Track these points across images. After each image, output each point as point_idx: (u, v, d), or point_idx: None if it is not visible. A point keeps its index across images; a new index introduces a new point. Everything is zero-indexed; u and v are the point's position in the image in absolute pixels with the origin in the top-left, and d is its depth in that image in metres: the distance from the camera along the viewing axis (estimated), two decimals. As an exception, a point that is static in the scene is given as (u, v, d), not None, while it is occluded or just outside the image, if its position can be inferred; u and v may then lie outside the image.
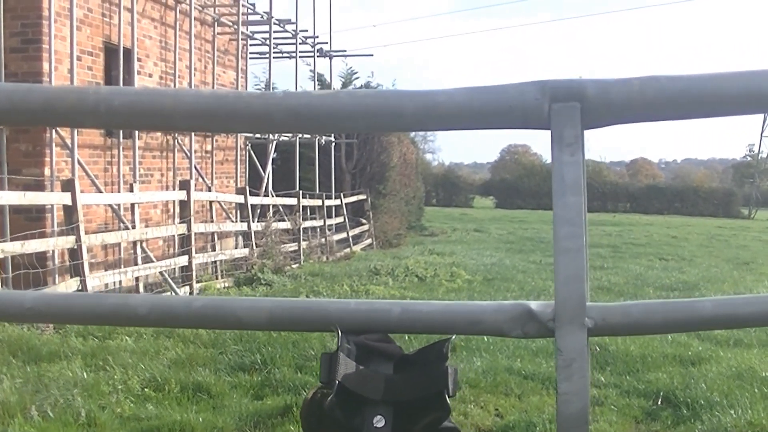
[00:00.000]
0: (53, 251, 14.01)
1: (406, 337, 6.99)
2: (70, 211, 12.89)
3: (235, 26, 23.67)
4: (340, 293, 14.80)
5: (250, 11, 25.42)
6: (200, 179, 21.33)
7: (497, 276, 18.61)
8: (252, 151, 26.42)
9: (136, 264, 15.80)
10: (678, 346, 10.47)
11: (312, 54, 30.94)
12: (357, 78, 37.93)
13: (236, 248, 21.03)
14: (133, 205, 16.26)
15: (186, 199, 17.08)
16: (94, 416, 7.06)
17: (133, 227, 15.97)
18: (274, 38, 26.75)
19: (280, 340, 9.74)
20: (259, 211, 22.90)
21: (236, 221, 21.28)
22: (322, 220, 26.53)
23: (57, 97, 2.88)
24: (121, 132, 17.35)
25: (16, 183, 14.28)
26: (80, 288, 12.54)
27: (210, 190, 21.47)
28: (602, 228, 41.90)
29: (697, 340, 10.94)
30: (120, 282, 15.08)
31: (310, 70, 32.38)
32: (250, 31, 26.26)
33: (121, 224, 16.30)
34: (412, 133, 44.35)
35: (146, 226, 17.39)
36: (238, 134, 23.95)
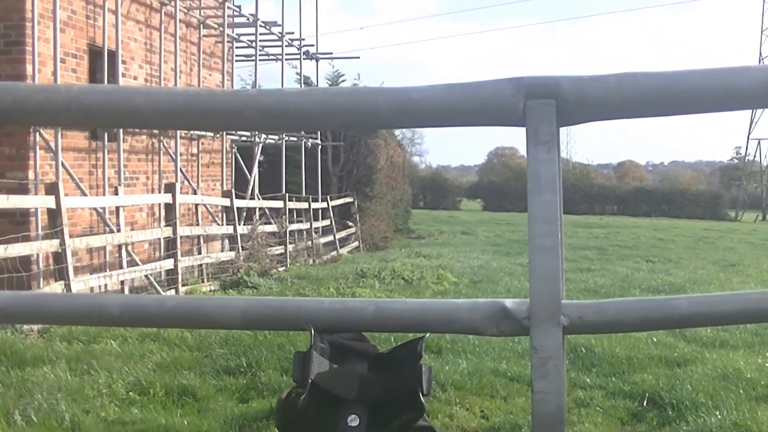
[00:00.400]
0: (37, 255, 13.96)
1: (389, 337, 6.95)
2: (54, 214, 12.82)
3: (221, 29, 23.63)
4: (327, 296, 14.75)
5: (235, 14, 25.37)
6: (186, 182, 21.30)
7: (484, 278, 18.60)
8: (238, 154, 26.37)
9: (121, 267, 15.73)
10: (664, 347, 10.46)
11: (298, 56, 30.95)
12: (344, 80, 37.93)
13: (222, 251, 20.99)
14: (118, 208, 16.20)
15: (171, 202, 17.04)
16: (79, 421, 7.01)
17: (119, 230, 15.92)
18: (260, 41, 26.72)
19: (266, 343, 9.71)
20: (245, 214, 22.90)
21: (222, 224, 21.26)
22: (309, 223, 26.49)
23: (27, 95, 2.85)
24: (105, 135, 17.32)
25: (0, 186, 14.21)
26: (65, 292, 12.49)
27: (196, 193, 21.45)
28: (589, 230, 41.99)
29: (683, 341, 10.95)
30: (105, 286, 15.02)
31: (297, 73, 32.41)
32: (236, 34, 26.22)
33: (106, 228, 16.26)
34: (400, 136, 44.42)
35: (132, 230, 17.35)
36: (225, 137, 23.94)
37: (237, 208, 21.03)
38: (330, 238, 28.22)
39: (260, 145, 26.72)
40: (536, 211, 2.72)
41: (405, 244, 31.77)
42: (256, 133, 25.76)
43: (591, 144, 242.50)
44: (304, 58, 31.26)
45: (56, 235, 12.70)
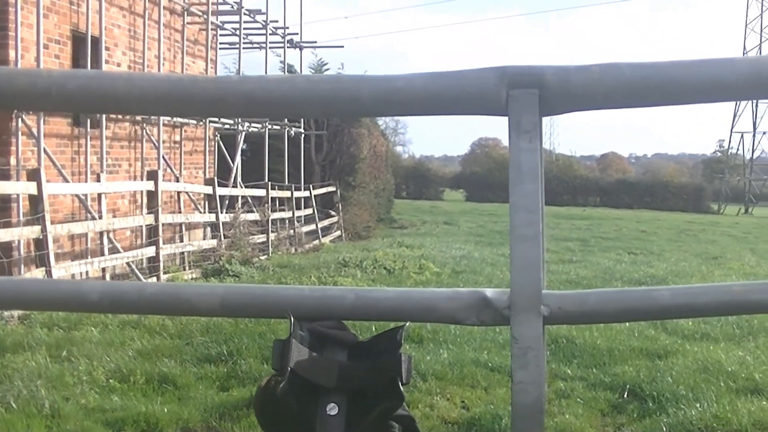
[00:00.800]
0: (18, 241, 13.91)
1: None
2: (35, 200, 12.78)
3: (205, 16, 23.58)
4: (308, 285, 14.73)
5: (220, 1, 25.31)
6: (168, 170, 21.25)
7: (466, 269, 18.60)
8: (221, 142, 26.34)
9: (102, 255, 15.69)
10: (645, 339, 10.47)
11: (282, 45, 30.88)
12: (327, 69, 37.87)
13: (204, 239, 20.95)
14: (100, 195, 16.14)
15: (154, 189, 17.00)
16: (58, 408, 6.98)
17: (100, 217, 15.86)
18: (244, 29, 26.70)
19: (247, 332, 9.69)
20: (227, 202, 22.85)
21: (204, 212, 21.22)
22: (291, 212, 26.47)
23: (7, 80, 2.83)
24: (88, 121, 17.26)
25: (-18, 172, 14.17)
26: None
27: (178, 181, 21.42)
28: (572, 222, 42.02)
29: (664, 333, 10.96)
30: (86, 273, 14.96)
31: (281, 62, 32.37)
32: (220, 21, 26.15)
33: (88, 214, 16.20)
34: (383, 125, 44.38)
35: (113, 217, 17.30)
36: (208, 125, 23.89)
37: (219, 196, 20.98)
38: (312, 227, 28.20)
39: (243, 133, 26.69)
40: (517, 201, 2.71)
41: (387, 234, 31.74)
42: (240, 121, 25.74)
43: (574, 135, 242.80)
44: (288, 47, 31.24)
45: (38, 221, 12.66)
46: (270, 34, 28.62)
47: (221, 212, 20.67)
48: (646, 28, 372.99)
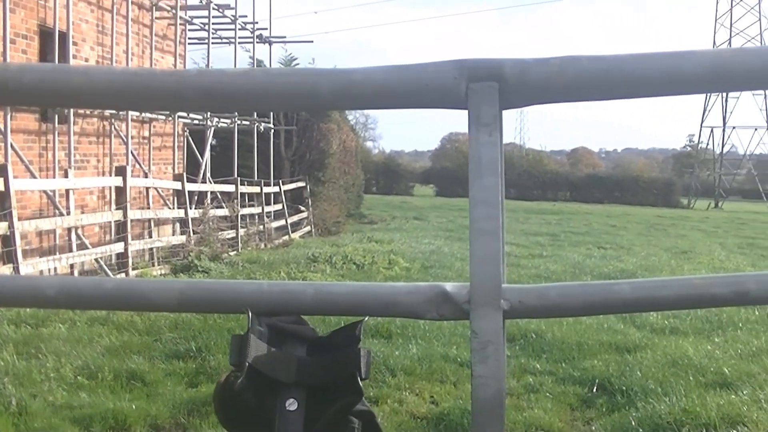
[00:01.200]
0: (-15, 237, 13.84)
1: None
2: (2, 197, 12.71)
3: (174, 11, 23.49)
4: (278, 280, 14.72)
5: (188, -4, 25.25)
6: (137, 165, 21.17)
7: (435, 263, 18.62)
8: (190, 138, 26.27)
9: (71, 251, 15.64)
10: (614, 333, 10.53)
11: (251, 40, 30.82)
12: (297, 64, 37.79)
13: (173, 235, 20.91)
14: (68, 191, 16.09)
15: (122, 185, 16.94)
16: (26, 405, 6.96)
17: (68, 213, 15.81)
18: (213, 23, 26.62)
19: (216, 327, 9.69)
20: (196, 197, 22.82)
21: (173, 208, 21.19)
22: (261, 207, 26.46)
23: (-38, 74, 2.82)
24: (56, 117, 17.17)
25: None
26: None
27: (147, 177, 21.31)
28: (542, 216, 42.18)
29: (633, 327, 11.02)
30: (55, 269, 14.91)
31: (249, 57, 32.29)
32: (189, 16, 26.05)
33: (56, 210, 16.14)
34: (353, 120, 44.39)
35: (82, 213, 17.24)
36: (176, 120, 23.82)
37: (188, 191, 20.96)
38: (282, 222, 28.17)
39: (212, 128, 26.65)
40: (477, 195, 2.71)
41: (357, 229, 31.74)
42: (209, 116, 25.67)
43: (544, 130, 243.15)
44: (257, 42, 31.16)
45: (5, 217, 12.60)
46: (239, 29, 28.60)
47: (190, 208, 20.64)
48: (620, 22, 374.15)
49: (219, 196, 24.26)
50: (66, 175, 16.08)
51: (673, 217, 48.80)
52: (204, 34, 27.06)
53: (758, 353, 9.37)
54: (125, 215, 16.77)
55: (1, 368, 8.00)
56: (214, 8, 25.85)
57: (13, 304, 3.41)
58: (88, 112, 18.64)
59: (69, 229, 15.99)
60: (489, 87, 2.72)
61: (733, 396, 7.39)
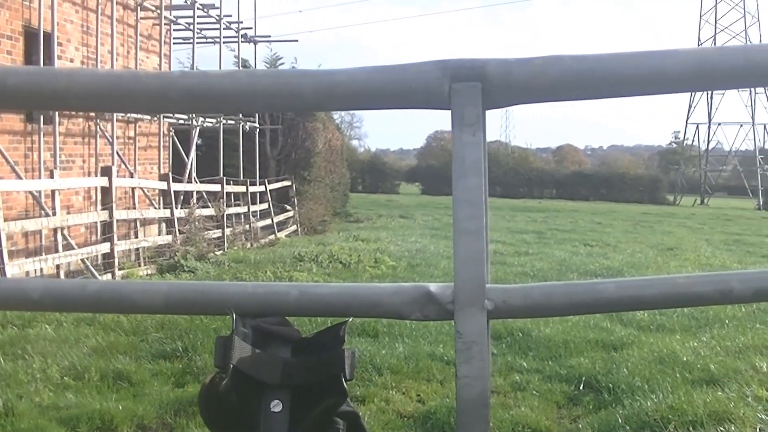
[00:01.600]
0: (-29, 239, 13.80)
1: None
2: (-12, 197, 12.70)
3: (159, 11, 23.45)
4: (264, 280, 14.72)
5: (173, -5, 25.20)
6: (123, 165, 21.15)
7: (422, 262, 18.63)
8: (175, 137, 26.24)
9: (57, 251, 15.61)
10: (601, 331, 10.54)
11: (236, 39, 30.80)
12: (282, 64, 37.86)
13: (159, 235, 20.89)
14: (54, 191, 16.07)
15: (108, 185, 16.93)
16: (12, 406, 6.94)
17: (54, 214, 15.78)
18: (198, 23, 26.60)
19: (202, 327, 9.67)
20: (182, 197, 22.81)
21: (159, 208, 21.16)
22: (247, 207, 26.40)
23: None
24: (41, 117, 17.14)
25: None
26: (-1, 276, 12.36)
27: (133, 177, 21.28)
28: (528, 214, 42.23)
29: (620, 325, 11.04)
30: (41, 270, 14.89)
31: (235, 56, 32.25)
32: (174, 16, 26.01)
33: (42, 211, 16.11)
34: (338, 119, 44.35)
35: (68, 213, 17.20)
36: (162, 120, 23.80)
37: (174, 191, 20.94)
38: (268, 221, 28.14)
39: (198, 128, 26.62)
40: (461, 195, 2.72)
41: (343, 228, 31.73)
42: (194, 116, 25.65)
43: (530, 128, 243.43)
44: (242, 42, 31.11)
45: (-10, 218, 12.58)
46: (224, 29, 28.58)
47: (176, 208, 20.64)
48: (606, 21, 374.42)
49: (205, 196, 24.20)
50: (51, 176, 16.06)
51: (659, 213, 48.91)
52: (189, 33, 27.02)
53: (744, 350, 9.38)
54: (111, 215, 16.74)
55: (-12, 369, 7.99)
56: (198, 8, 25.81)
57: (-1, 306, 3.41)
58: (73, 112, 18.60)
59: (55, 230, 15.97)
60: (472, 87, 2.73)
61: (719, 393, 7.39)
